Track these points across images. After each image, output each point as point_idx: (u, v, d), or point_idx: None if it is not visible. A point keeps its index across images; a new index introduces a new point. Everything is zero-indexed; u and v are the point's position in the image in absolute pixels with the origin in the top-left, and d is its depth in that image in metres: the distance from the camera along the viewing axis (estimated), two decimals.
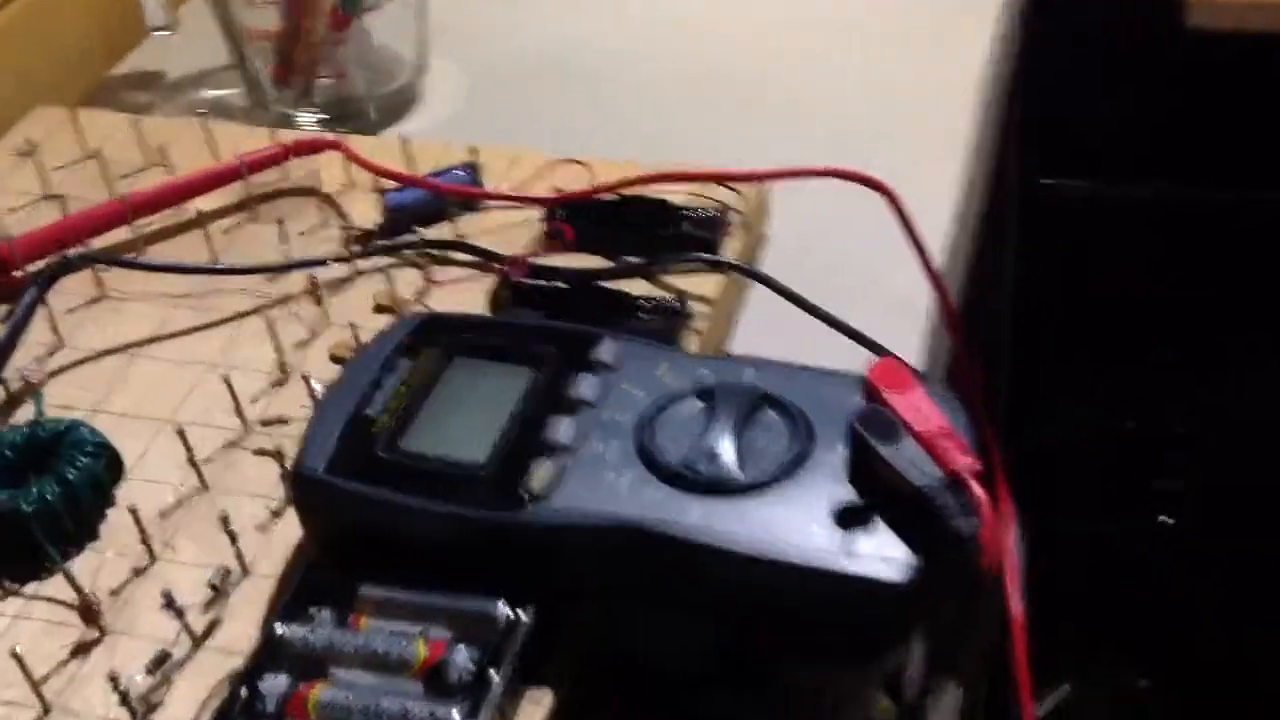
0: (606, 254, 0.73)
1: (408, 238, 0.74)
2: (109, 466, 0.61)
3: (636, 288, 0.70)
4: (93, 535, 0.60)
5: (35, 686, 0.52)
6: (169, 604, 0.53)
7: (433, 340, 0.60)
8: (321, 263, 0.73)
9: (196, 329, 0.71)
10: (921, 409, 0.53)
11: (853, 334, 0.67)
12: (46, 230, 0.75)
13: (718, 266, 0.71)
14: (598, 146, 0.81)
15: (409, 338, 0.60)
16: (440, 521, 0.53)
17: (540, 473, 0.53)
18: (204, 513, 0.61)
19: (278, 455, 0.61)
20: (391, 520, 0.53)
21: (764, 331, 0.72)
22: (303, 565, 0.55)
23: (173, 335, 0.71)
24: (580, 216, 0.74)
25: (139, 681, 0.53)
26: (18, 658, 0.52)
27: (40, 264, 0.73)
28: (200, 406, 0.66)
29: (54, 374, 0.69)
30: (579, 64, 0.99)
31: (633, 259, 0.72)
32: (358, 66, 0.92)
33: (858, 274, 0.75)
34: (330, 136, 0.81)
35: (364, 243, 0.76)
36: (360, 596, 0.53)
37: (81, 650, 0.55)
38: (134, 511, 0.58)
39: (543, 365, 0.58)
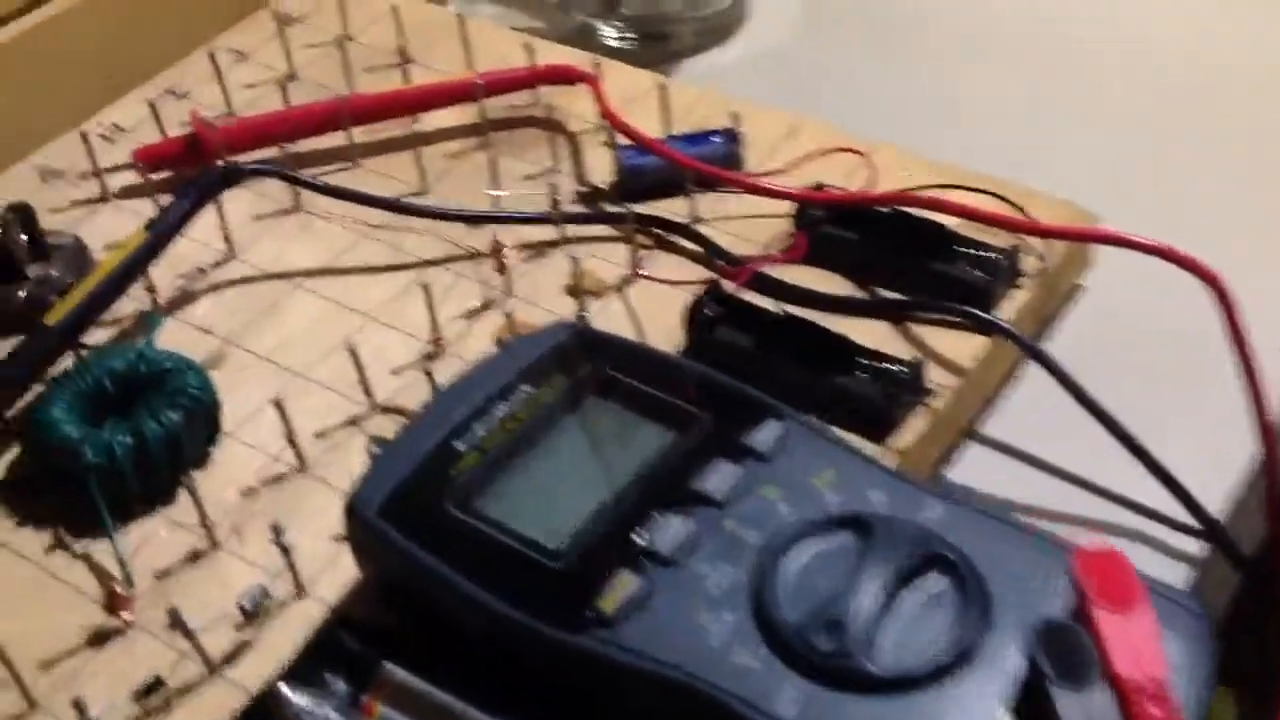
0: (852, 277, 0.59)
1: (624, 209, 0.62)
2: (202, 423, 0.53)
3: (868, 332, 0.56)
4: (167, 498, 0.53)
5: (15, 674, 0.46)
6: (175, 623, 0.45)
7: (571, 365, 0.49)
8: (523, 219, 0.63)
9: (373, 269, 0.63)
10: (1136, 642, 0.38)
11: (1150, 463, 0.51)
12: (255, 122, 0.68)
13: (987, 328, 0.56)
14: (928, 133, 0.66)
15: (547, 356, 0.49)
16: (486, 616, 0.42)
17: (619, 590, 0.41)
18: (290, 500, 0.53)
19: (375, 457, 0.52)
20: (436, 595, 0.43)
21: (1025, 430, 0.57)
22: (333, 621, 0.46)
23: (347, 271, 0.63)
24: (830, 224, 0.61)
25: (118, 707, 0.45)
26: None
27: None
28: (341, 365, 0.57)
29: (207, 291, 0.62)
30: (962, 18, 0.82)
31: (879, 293, 0.58)
32: None
33: (1171, 381, 0.58)
34: (583, 67, 0.69)
35: (589, 202, 0.65)
36: (381, 675, 0.43)
37: (96, 641, 0.48)
38: (193, 492, 0.50)
39: (684, 433, 0.46)
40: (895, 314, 0.57)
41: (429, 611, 0.44)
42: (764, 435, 0.46)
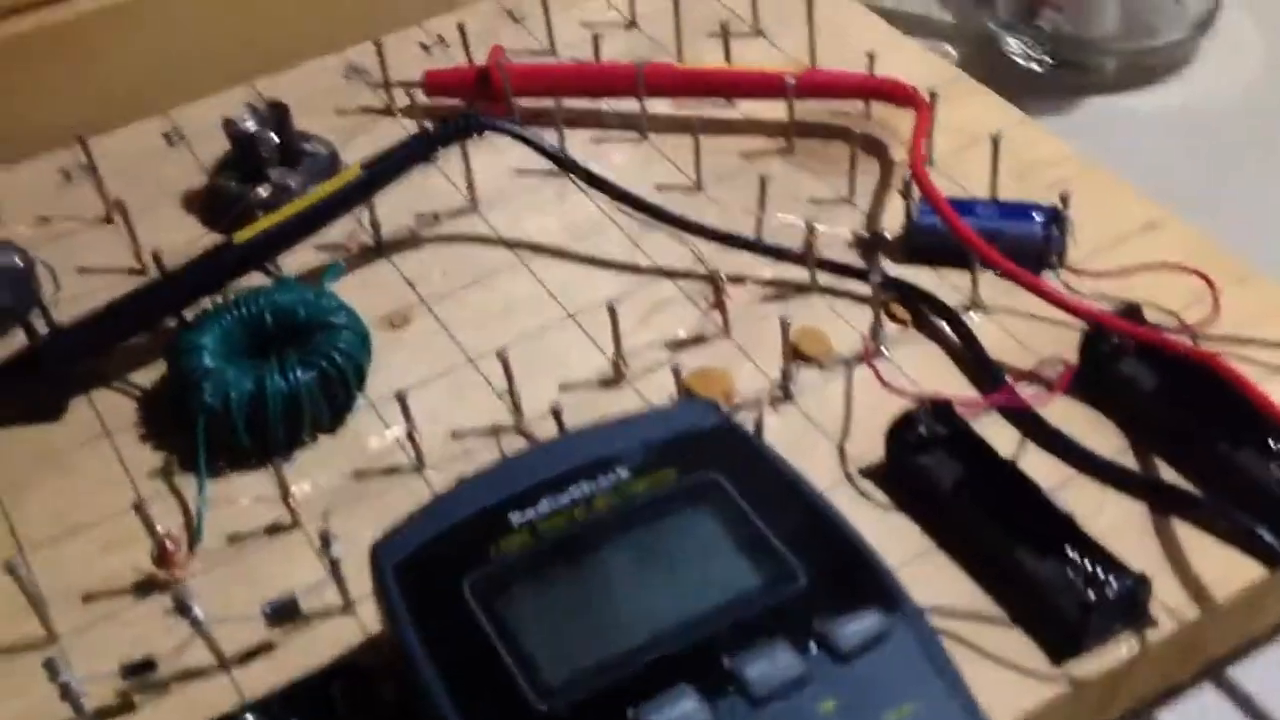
0: (1129, 433, 0.47)
1: (880, 272, 0.52)
2: (338, 388, 0.49)
3: (1112, 509, 0.45)
4: (281, 454, 0.49)
5: (40, 612, 0.44)
6: (180, 608, 0.41)
7: (686, 461, 0.41)
8: (771, 250, 0.54)
9: (603, 262, 0.56)
10: None
11: None
12: (548, 70, 0.63)
13: (1274, 560, 0.43)
14: None
15: (666, 441, 0.41)
16: None
17: None
18: (392, 497, 0.48)
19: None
20: (412, 681, 0.37)
21: None
22: (330, 667, 0.41)
23: (576, 257, 0.57)
24: (1125, 360, 0.48)
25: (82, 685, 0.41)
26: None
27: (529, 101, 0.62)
28: (519, 359, 0.51)
29: (432, 240, 0.58)
30: None
31: (1153, 464, 0.46)
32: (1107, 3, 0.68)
33: None
34: (915, 89, 0.59)
35: (867, 249, 0.55)
36: None
37: (139, 589, 0.46)
38: (279, 470, 0.46)
39: (766, 588, 0.38)
40: (1160, 500, 0.45)
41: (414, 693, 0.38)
42: (854, 627, 0.36)
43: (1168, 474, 0.47)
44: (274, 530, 0.47)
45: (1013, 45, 0.70)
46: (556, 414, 0.47)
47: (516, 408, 0.50)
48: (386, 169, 0.54)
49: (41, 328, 0.52)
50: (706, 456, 0.41)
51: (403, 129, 0.63)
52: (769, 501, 0.40)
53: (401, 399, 0.48)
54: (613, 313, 0.50)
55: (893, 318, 0.53)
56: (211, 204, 0.59)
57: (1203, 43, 0.70)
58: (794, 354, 0.51)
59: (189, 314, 0.52)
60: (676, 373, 0.48)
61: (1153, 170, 0.62)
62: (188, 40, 0.65)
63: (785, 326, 0.49)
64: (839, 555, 0.39)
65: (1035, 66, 0.70)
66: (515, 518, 0.39)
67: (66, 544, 0.47)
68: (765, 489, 0.40)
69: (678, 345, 0.52)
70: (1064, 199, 0.53)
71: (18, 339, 0.52)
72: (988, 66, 0.69)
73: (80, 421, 0.51)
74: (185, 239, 0.58)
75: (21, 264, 0.55)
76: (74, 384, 0.52)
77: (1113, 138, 0.65)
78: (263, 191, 0.57)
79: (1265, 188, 0.62)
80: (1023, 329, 0.52)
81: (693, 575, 0.39)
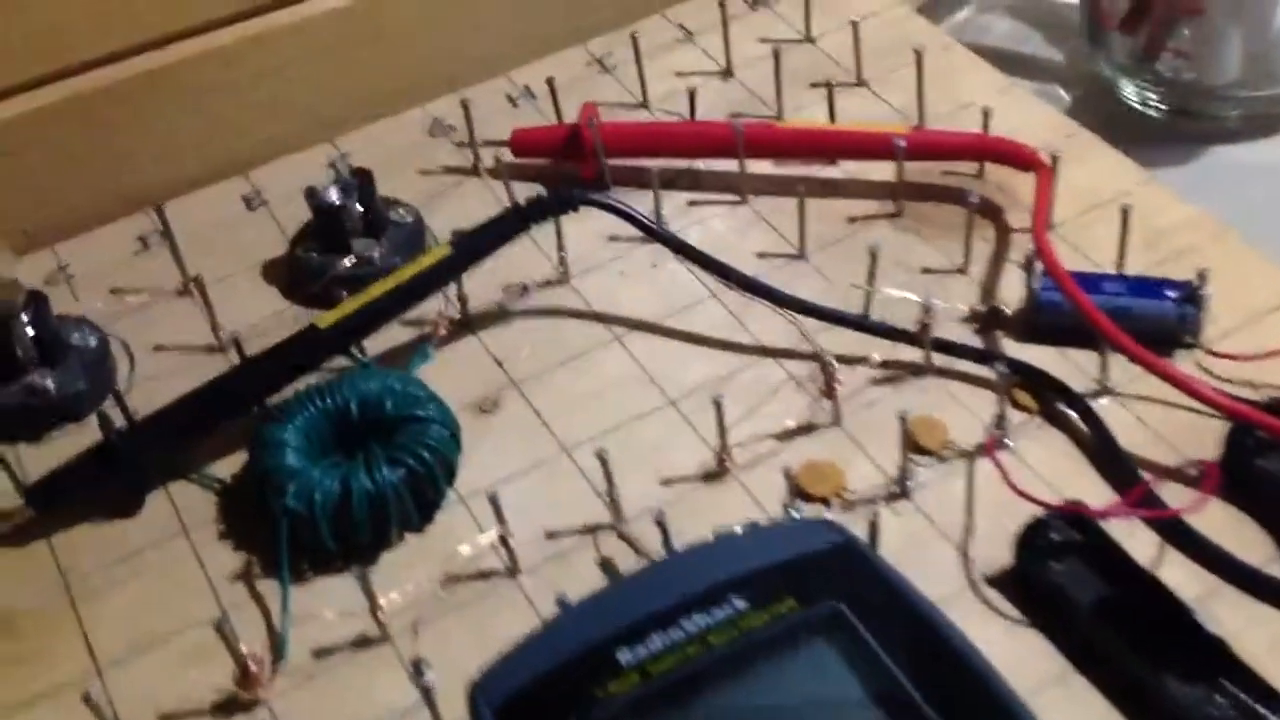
0: None
1: (999, 354, 0.49)
2: (427, 485, 0.47)
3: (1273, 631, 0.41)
4: (368, 559, 0.46)
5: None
6: None
7: (808, 588, 0.38)
8: (878, 329, 0.51)
9: (705, 341, 0.53)
10: None
11: None
12: (640, 129, 0.60)
13: None
14: None
15: (783, 566, 0.38)
16: None
17: None
18: (486, 608, 0.45)
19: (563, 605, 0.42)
20: None
21: None
22: None
23: (676, 335, 0.53)
24: (1270, 458, 0.45)
25: None
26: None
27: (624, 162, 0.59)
28: (615, 449, 0.48)
29: (520, 314, 0.55)
30: None
31: None
32: (1234, 46, 0.63)
33: None
34: (1036, 151, 0.55)
35: (984, 326, 0.52)
36: None
37: (221, 710, 0.43)
38: (364, 579, 0.43)
39: None
40: None
41: None
42: None
43: None
44: (362, 644, 0.44)
45: (1129, 91, 0.66)
46: (661, 524, 0.44)
47: (615, 508, 0.47)
48: (477, 247, 0.52)
49: (117, 416, 0.50)
50: (828, 582, 0.38)
51: (489, 190, 0.60)
52: (896, 633, 0.37)
53: (494, 501, 0.45)
54: (718, 406, 0.47)
55: (1017, 405, 0.49)
56: (293, 275, 0.56)
57: None
58: (911, 447, 0.48)
59: (272, 401, 0.50)
60: (787, 474, 0.45)
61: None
62: (267, 97, 0.62)
63: (903, 420, 0.46)
64: (975, 699, 0.35)
65: (1153, 113, 0.66)
66: (624, 656, 0.36)
67: (144, 656, 0.45)
68: (892, 620, 0.37)
69: (785, 435, 0.49)
70: (1201, 275, 0.49)
71: (92, 426, 0.50)
72: (1102, 112, 0.65)
73: (157, 519, 0.49)
74: (266, 311, 0.55)
75: (96, 344, 0.53)
76: (151, 478, 0.49)
77: (1236, 190, 0.61)
78: (346, 263, 0.55)
79: None
80: (1158, 417, 0.48)
81: (816, 716, 0.35)
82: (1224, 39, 0.63)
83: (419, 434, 0.47)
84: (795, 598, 0.38)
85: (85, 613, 0.46)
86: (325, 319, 0.50)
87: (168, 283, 0.57)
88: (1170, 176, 0.61)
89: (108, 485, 0.48)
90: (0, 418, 0.51)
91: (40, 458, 0.51)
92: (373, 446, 0.47)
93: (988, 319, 0.52)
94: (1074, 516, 0.43)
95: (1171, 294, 0.50)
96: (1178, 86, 0.65)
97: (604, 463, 0.46)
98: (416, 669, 0.40)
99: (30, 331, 0.51)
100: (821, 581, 0.38)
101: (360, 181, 0.56)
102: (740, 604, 0.37)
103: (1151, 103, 0.65)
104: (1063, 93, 0.68)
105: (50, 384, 0.51)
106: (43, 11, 0.57)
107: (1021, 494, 0.44)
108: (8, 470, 0.49)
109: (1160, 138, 0.64)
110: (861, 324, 0.51)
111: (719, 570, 0.38)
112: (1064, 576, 0.43)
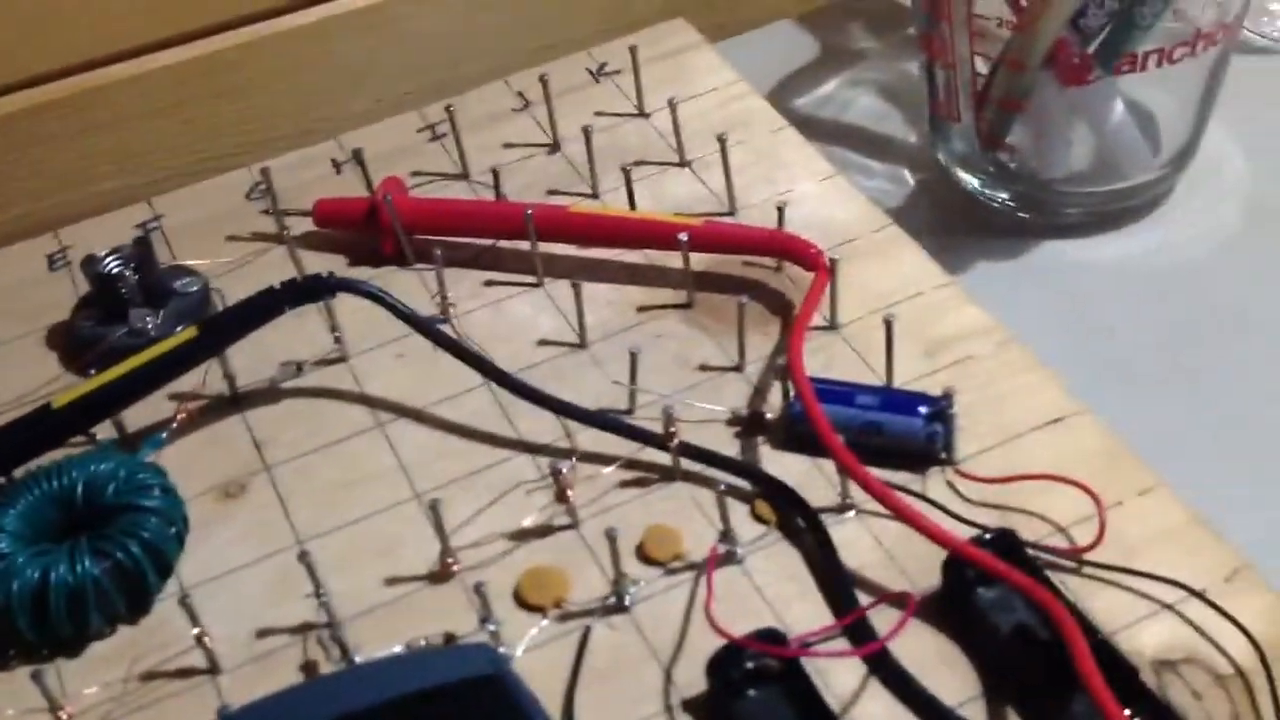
0: (990, 670, 0.42)
1: (749, 465, 0.48)
2: (136, 578, 0.46)
3: None
4: (73, 650, 0.46)
5: None
6: None
7: (463, 714, 0.37)
8: (635, 434, 0.50)
9: (466, 433, 0.52)
10: None
11: None
12: (435, 206, 0.59)
13: None
14: None
15: (430, 693, 0.37)
16: None
17: None
18: (184, 704, 0.44)
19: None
20: None
21: None
22: None
23: (439, 425, 0.52)
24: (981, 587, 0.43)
25: None
26: None
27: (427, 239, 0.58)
28: (354, 543, 0.48)
29: (289, 394, 0.54)
30: None
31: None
32: (1068, 142, 0.62)
33: None
34: (820, 251, 0.54)
35: (749, 432, 0.51)
36: None
37: None
38: (40, 679, 0.43)
39: None
40: None
41: None
42: None
43: None
44: None
45: (970, 182, 0.65)
46: (339, 640, 0.43)
47: (327, 609, 0.46)
48: (226, 329, 0.51)
49: None
50: (473, 714, 0.37)
51: (288, 262, 0.59)
52: None
53: (187, 604, 0.44)
54: (435, 509, 0.46)
55: (757, 518, 0.48)
56: (68, 345, 0.56)
57: (1179, 181, 0.64)
58: (641, 557, 0.47)
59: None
60: (478, 587, 0.44)
61: (1104, 328, 0.57)
62: (83, 152, 0.62)
63: (613, 536, 0.45)
64: None
65: (994, 204, 0.64)
66: None
67: None
68: None
69: (521, 536, 0.48)
70: (948, 395, 0.48)
71: None
72: (946, 199, 0.64)
73: None
74: (42, 379, 0.55)
75: None
76: None
77: (1069, 289, 0.60)
78: (117, 335, 0.54)
79: (1225, 356, 0.56)
80: (896, 536, 0.47)
81: None
82: (1058, 134, 0.61)
83: (134, 524, 0.46)
84: None
85: None
86: (61, 399, 0.49)
87: None
88: (995, 271, 0.60)
89: None
90: None
91: None
92: (82, 536, 0.46)
93: (750, 424, 0.51)
94: (771, 642, 0.42)
95: (923, 410, 0.48)
96: (1017, 180, 0.63)
97: (309, 565, 0.45)
98: None
99: None
100: (467, 712, 0.37)
101: (139, 250, 0.55)
102: None
103: (991, 194, 0.64)
104: (909, 177, 0.67)
105: None
106: None
107: (713, 624, 0.43)
108: None
109: (1001, 228, 0.63)
110: (609, 425, 0.50)
111: (369, 692, 0.38)
112: (754, 706, 0.42)
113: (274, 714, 0.38)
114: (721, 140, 0.59)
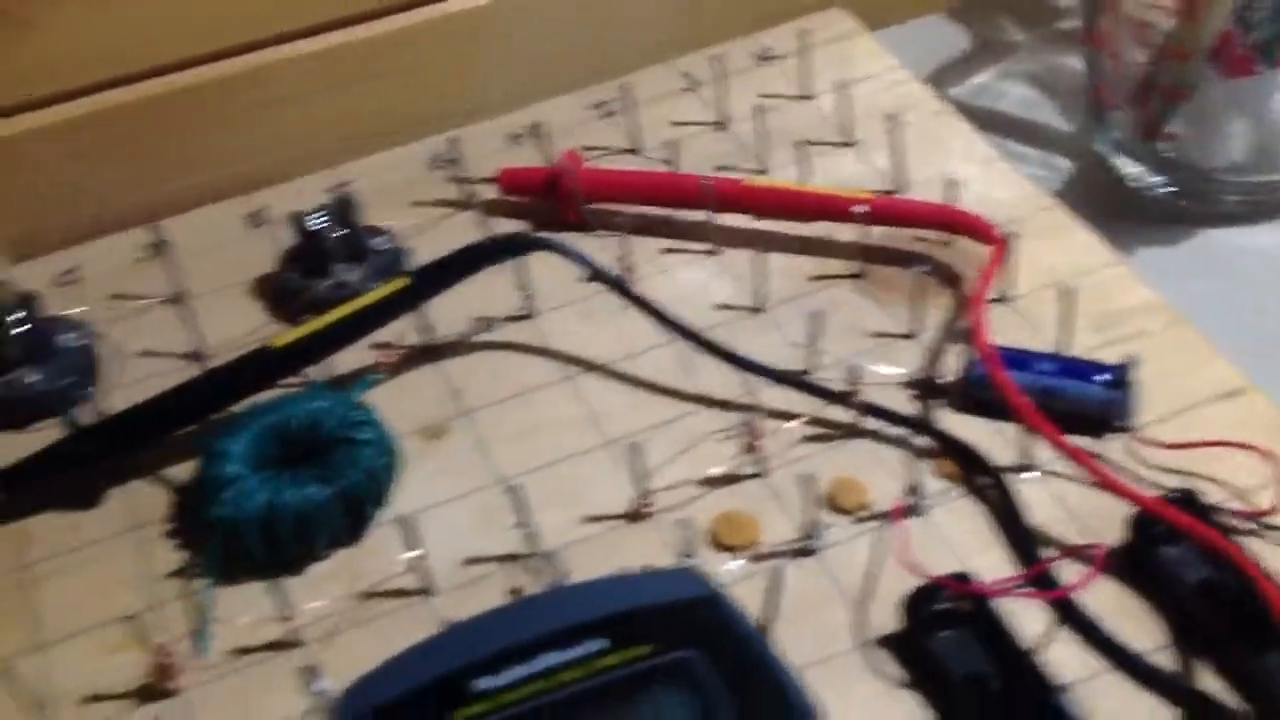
0: (1175, 623, 0.44)
1: (927, 421, 0.50)
2: (356, 504, 0.49)
3: (1123, 715, 0.42)
4: (295, 569, 0.49)
5: (39, 715, 0.44)
6: None
7: (667, 636, 0.39)
8: (820, 392, 0.52)
9: (651, 386, 0.55)
10: None
11: None
12: (616, 176, 0.62)
13: None
14: None
15: (647, 611, 0.40)
16: None
17: None
18: (397, 623, 0.47)
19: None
20: None
21: None
22: None
23: (624, 378, 0.55)
24: (1170, 545, 0.45)
25: None
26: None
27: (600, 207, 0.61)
28: (549, 484, 0.51)
29: (481, 347, 0.57)
30: None
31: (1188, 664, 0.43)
32: (1230, 131, 0.63)
33: None
34: (994, 227, 0.56)
35: (924, 394, 0.53)
36: None
37: (140, 695, 0.46)
38: (282, 590, 0.46)
39: None
40: (1191, 709, 0.42)
41: None
42: None
43: (1209, 679, 0.43)
44: (278, 647, 0.47)
45: (1129, 169, 0.66)
46: (555, 562, 0.46)
47: (531, 540, 0.49)
48: (433, 281, 0.54)
49: (90, 414, 0.53)
50: (688, 632, 0.40)
51: (476, 225, 0.62)
52: (747, 689, 0.38)
53: (410, 525, 0.47)
54: (635, 451, 0.49)
55: (940, 474, 0.50)
56: (277, 295, 0.59)
57: None
58: (828, 505, 0.49)
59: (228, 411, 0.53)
60: (685, 524, 0.47)
61: (1263, 315, 0.59)
62: (278, 122, 0.66)
63: (812, 479, 0.47)
64: None
65: (1152, 192, 0.66)
66: (481, 684, 0.38)
67: (79, 639, 0.48)
68: (744, 673, 0.39)
69: (710, 483, 0.51)
70: (1133, 362, 0.50)
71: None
72: (1102, 187, 0.66)
73: (111, 513, 0.52)
74: (248, 328, 0.58)
75: (82, 345, 0.57)
76: (113, 474, 0.53)
77: (1228, 276, 0.61)
78: (323, 287, 0.58)
79: None
80: (1077, 497, 0.49)
81: None
82: (1219, 124, 0.63)
83: (353, 456, 0.49)
84: (654, 643, 0.39)
85: (36, 594, 0.50)
86: (280, 339, 0.53)
87: (164, 292, 0.61)
88: (1157, 255, 0.62)
89: (68, 477, 0.52)
90: None
91: (25, 447, 0.54)
92: (308, 464, 0.49)
93: (926, 387, 0.53)
94: (953, 593, 0.44)
95: (1100, 378, 0.50)
96: (1177, 168, 0.65)
97: (518, 497, 0.48)
98: (313, 675, 0.42)
99: (19, 330, 0.55)
100: (681, 630, 0.40)
101: (343, 209, 0.58)
102: (599, 645, 0.39)
103: (1150, 182, 0.66)
104: (1064, 164, 0.68)
105: (34, 380, 0.55)
106: (59, 34, 0.61)
107: (906, 563, 0.45)
108: None
109: (1157, 217, 0.65)
110: (794, 382, 0.52)
111: (586, 609, 0.40)
112: (946, 645, 0.44)
113: (505, 623, 0.40)
114: (893, 119, 0.61)
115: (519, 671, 0.38)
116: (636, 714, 0.38)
